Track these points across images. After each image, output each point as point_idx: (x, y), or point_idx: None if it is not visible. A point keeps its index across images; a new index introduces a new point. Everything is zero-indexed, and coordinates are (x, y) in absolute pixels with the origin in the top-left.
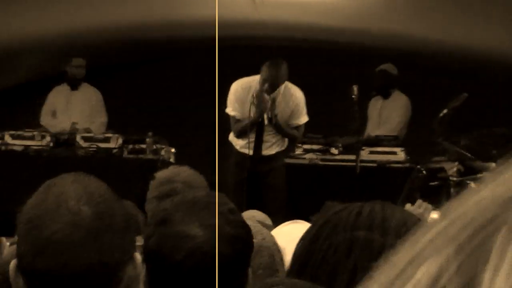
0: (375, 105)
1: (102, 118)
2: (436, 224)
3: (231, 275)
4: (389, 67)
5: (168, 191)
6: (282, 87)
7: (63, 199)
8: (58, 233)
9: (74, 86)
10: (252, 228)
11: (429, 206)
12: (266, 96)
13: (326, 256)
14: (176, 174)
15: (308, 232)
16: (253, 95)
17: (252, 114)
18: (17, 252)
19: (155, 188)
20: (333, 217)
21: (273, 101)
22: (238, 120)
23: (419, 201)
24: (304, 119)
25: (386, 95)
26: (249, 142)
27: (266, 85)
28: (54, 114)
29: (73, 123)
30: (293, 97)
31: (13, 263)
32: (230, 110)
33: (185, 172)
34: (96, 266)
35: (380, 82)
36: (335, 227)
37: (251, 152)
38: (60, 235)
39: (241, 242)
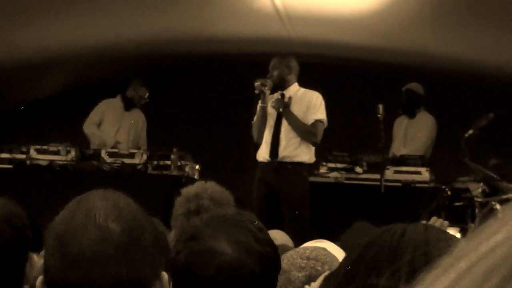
0: (401, 124)
1: (144, 145)
2: (458, 261)
3: None
4: (415, 87)
5: (195, 208)
6: (300, 90)
7: (92, 215)
8: (86, 249)
9: (128, 107)
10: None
11: (445, 222)
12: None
13: (369, 279)
14: (203, 190)
15: (350, 254)
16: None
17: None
18: (45, 266)
19: (182, 205)
20: (376, 238)
21: (290, 99)
22: None
23: (433, 218)
24: (320, 115)
25: (412, 115)
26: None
27: (274, 73)
28: (99, 124)
29: (117, 142)
30: (309, 94)
31: (40, 278)
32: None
33: (212, 188)
34: (124, 283)
35: (406, 101)
36: (379, 250)
37: (268, 156)
38: (89, 251)
39: (269, 261)
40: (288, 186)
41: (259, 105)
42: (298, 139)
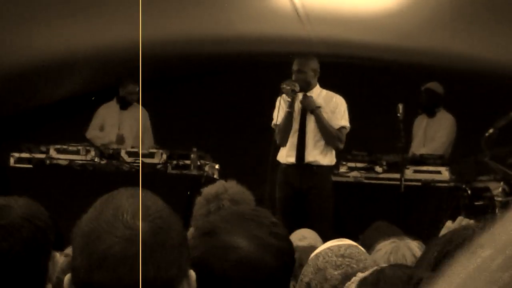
0: (420, 124)
1: (151, 139)
2: (475, 256)
3: (274, 287)
4: (435, 86)
5: (216, 210)
6: (323, 92)
7: (119, 213)
8: (113, 248)
9: (124, 106)
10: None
11: (471, 222)
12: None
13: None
14: (223, 190)
15: (427, 251)
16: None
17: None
18: (72, 265)
19: (202, 205)
20: (456, 236)
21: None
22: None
23: (459, 218)
24: (345, 122)
25: (431, 114)
26: (294, 147)
27: (299, 76)
28: (101, 128)
29: (118, 134)
30: (334, 98)
31: (67, 277)
32: (274, 122)
33: (232, 188)
34: (152, 281)
35: (425, 100)
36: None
37: (294, 160)
38: (116, 250)
39: (284, 254)
40: (314, 188)
41: (286, 109)
42: (323, 142)
